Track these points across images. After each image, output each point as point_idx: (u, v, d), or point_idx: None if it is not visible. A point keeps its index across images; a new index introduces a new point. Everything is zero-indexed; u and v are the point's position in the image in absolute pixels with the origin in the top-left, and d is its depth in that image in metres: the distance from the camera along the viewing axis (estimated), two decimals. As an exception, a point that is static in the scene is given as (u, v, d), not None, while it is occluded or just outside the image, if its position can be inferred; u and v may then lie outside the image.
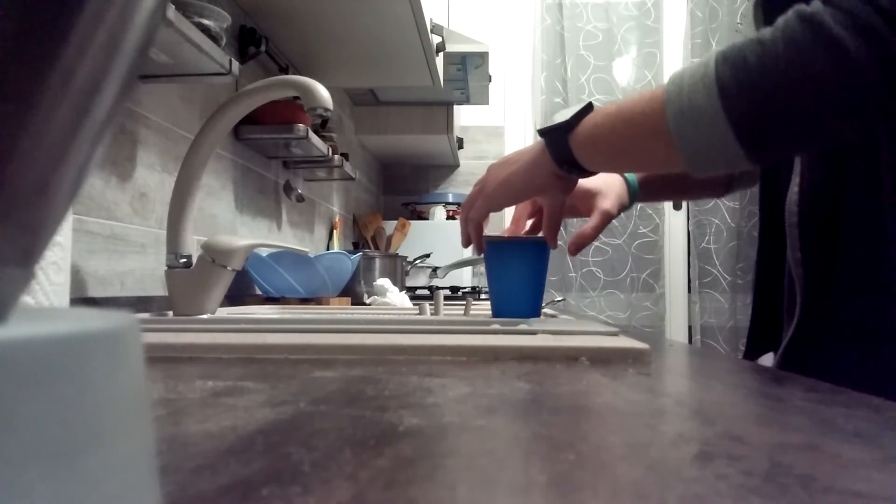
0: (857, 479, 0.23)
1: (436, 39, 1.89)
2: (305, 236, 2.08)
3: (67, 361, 0.12)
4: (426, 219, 3.01)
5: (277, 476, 0.22)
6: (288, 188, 1.86)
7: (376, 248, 2.66)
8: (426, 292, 2.19)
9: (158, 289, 1.17)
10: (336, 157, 1.87)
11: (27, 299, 0.60)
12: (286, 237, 1.91)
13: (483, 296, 2.15)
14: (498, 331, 0.70)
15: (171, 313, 0.96)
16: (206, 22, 1.07)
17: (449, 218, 3.02)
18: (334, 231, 2.34)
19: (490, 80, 2.54)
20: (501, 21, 3.35)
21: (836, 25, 0.54)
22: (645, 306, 3.28)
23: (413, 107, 2.69)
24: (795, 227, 0.73)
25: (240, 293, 1.50)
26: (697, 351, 0.77)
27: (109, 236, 1.04)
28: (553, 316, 1.10)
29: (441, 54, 1.98)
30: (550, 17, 3.31)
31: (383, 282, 1.56)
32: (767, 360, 0.85)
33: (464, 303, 1.26)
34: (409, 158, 3.26)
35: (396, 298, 1.50)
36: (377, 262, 1.83)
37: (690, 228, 3.25)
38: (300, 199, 1.89)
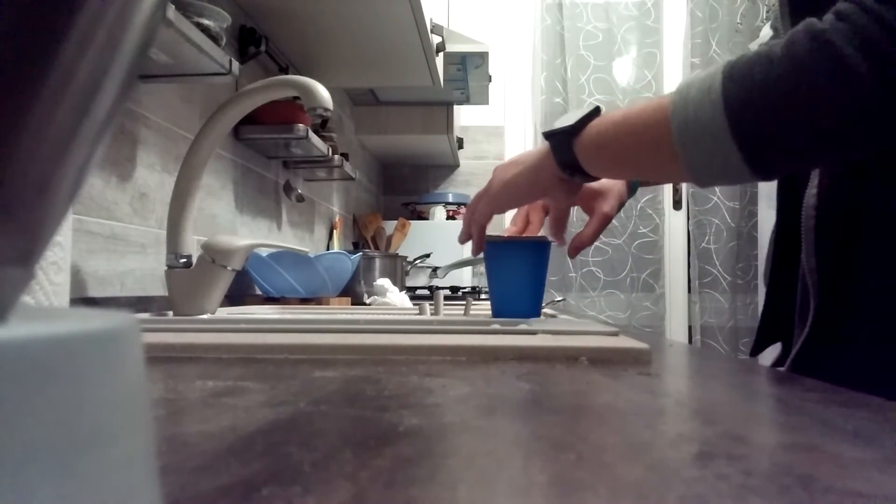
0: (857, 479, 0.23)
1: (436, 39, 1.89)
2: (305, 236, 2.08)
3: (67, 361, 0.12)
4: (426, 219, 3.01)
5: (277, 476, 0.22)
6: (288, 188, 1.86)
7: (376, 248, 2.66)
8: (426, 292, 2.19)
9: (158, 289, 1.17)
10: (336, 157, 1.87)
11: (27, 299, 0.60)
12: (286, 237, 1.91)
13: (483, 296, 2.15)
14: (498, 331, 0.70)
15: (171, 313, 0.96)
16: (206, 22, 1.07)
17: (449, 218, 3.02)
18: (334, 231, 2.34)
19: (490, 80, 2.54)
20: (501, 21, 3.35)
21: (845, 44, 0.54)
22: (645, 306, 3.28)
23: (413, 107, 2.69)
24: (812, 231, 0.72)
25: (240, 293, 1.50)
26: (697, 351, 0.77)
27: (109, 236, 1.04)
28: (553, 316, 1.10)
29: (441, 54, 1.98)
30: (550, 17, 3.31)
31: (383, 282, 1.56)
32: (769, 353, 0.84)
33: (464, 303, 1.26)
34: (409, 158, 3.26)
35: (396, 298, 1.50)
36: (377, 262, 1.83)
37: (690, 228, 3.25)
38: (300, 199, 1.89)
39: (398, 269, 1.91)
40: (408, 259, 2.11)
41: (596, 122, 0.72)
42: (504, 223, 1.20)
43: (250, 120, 1.42)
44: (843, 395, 0.41)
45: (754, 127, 0.58)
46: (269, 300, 1.49)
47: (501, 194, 0.82)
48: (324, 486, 0.21)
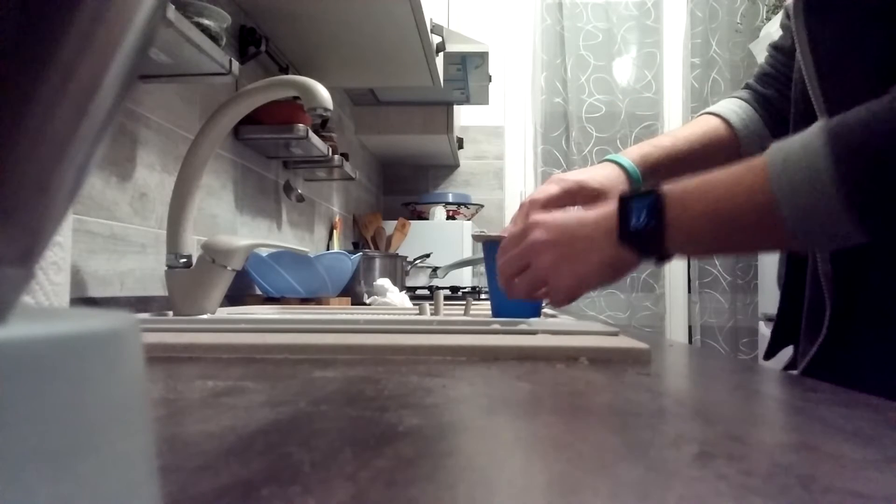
0: (857, 479, 0.23)
1: (436, 39, 1.89)
2: (305, 236, 2.08)
3: (67, 361, 0.12)
4: (426, 219, 3.01)
5: (277, 476, 0.22)
6: (288, 188, 1.86)
7: (376, 248, 2.66)
8: (426, 292, 2.19)
9: (158, 289, 1.17)
10: (336, 157, 1.87)
11: (27, 299, 0.60)
12: (286, 237, 1.91)
13: (483, 296, 2.15)
14: (498, 331, 0.69)
15: (171, 313, 0.96)
16: (206, 22, 1.07)
17: (449, 218, 3.02)
18: (334, 231, 2.34)
19: (490, 80, 2.54)
20: (501, 21, 3.35)
21: None
22: (645, 306, 3.28)
23: (413, 107, 2.69)
24: None
25: (240, 293, 1.50)
26: (697, 351, 0.77)
27: (109, 236, 1.04)
28: (553, 316, 1.10)
29: (441, 54, 1.98)
30: (550, 17, 3.31)
31: (383, 282, 1.56)
32: (779, 356, 0.84)
33: (464, 303, 1.26)
34: (409, 158, 3.26)
35: (396, 298, 1.50)
36: (377, 262, 1.83)
37: (690, 228, 3.25)
38: (300, 199, 1.89)
39: (398, 269, 1.91)
40: (408, 259, 2.11)
41: (678, 215, 0.65)
42: (504, 223, 1.20)
43: (250, 120, 1.42)
44: (843, 395, 0.41)
45: (882, 209, 0.56)
46: (269, 300, 1.48)
47: (578, 289, 0.72)
48: (324, 486, 0.21)
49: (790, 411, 0.38)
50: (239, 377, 0.44)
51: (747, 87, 0.98)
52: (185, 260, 0.95)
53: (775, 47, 0.95)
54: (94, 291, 1.01)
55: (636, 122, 3.32)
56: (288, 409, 0.33)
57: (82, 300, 0.97)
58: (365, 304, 1.64)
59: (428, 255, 2.36)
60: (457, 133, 2.93)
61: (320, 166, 1.92)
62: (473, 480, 0.22)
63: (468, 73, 2.42)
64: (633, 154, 0.91)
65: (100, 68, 0.12)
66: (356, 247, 2.62)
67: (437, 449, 0.26)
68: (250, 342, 0.56)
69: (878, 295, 0.68)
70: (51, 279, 0.63)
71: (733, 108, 0.95)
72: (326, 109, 0.92)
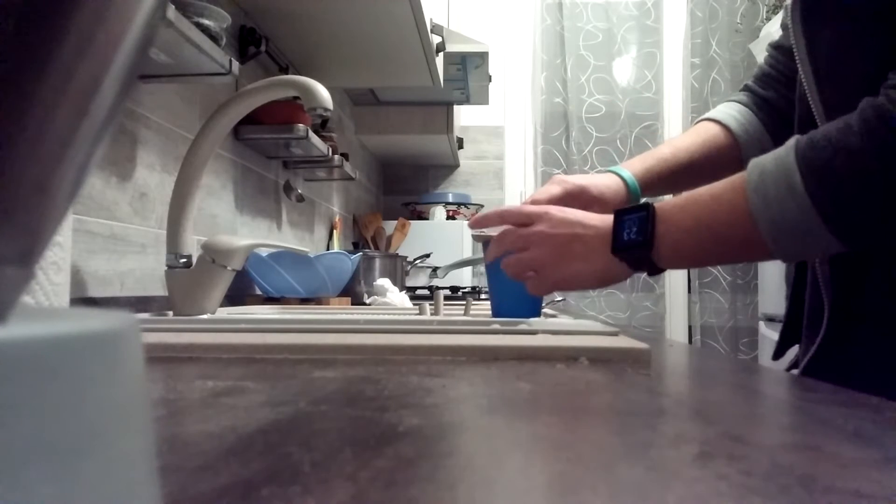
0: (857, 479, 0.23)
1: (436, 39, 1.89)
2: (305, 236, 2.08)
3: (67, 361, 0.12)
4: (426, 219, 3.01)
5: (277, 476, 0.22)
6: (288, 188, 1.86)
7: (376, 248, 2.66)
8: (426, 292, 2.19)
9: (158, 289, 1.17)
10: (336, 157, 1.87)
11: (27, 299, 0.60)
12: (286, 237, 1.91)
13: (483, 296, 2.15)
14: (498, 331, 0.70)
15: (171, 313, 0.96)
16: (206, 22, 1.07)
17: (449, 218, 3.02)
18: (334, 231, 2.34)
19: (490, 80, 2.54)
20: (501, 21, 3.35)
21: None
22: (645, 306, 3.28)
23: (413, 107, 2.69)
24: None
25: (240, 293, 1.50)
26: (697, 351, 0.77)
27: (109, 236, 1.04)
28: (553, 316, 1.10)
29: (441, 54, 1.98)
30: (550, 17, 3.31)
31: (383, 282, 1.56)
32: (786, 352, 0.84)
33: (464, 303, 1.26)
34: (409, 158, 3.26)
35: (396, 298, 1.50)
36: (377, 262, 1.83)
37: (690, 228, 3.25)
38: (300, 199, 1.89)
39: (398, 269, 1.91)
40: (408, 259, 2.11)
41: (666, 231, 0.68)
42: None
43: (250, 120, 1.42)
44: (843, 395, 0.41)
45: (854, 224, 0.59)
46: (269, 300, 1.48)
47: (562, 286, 0.76)
48: (324, 486, 0.21)
49: (790, 411, 0.38)
50: (239, 377, 0.44)
51: (746, 88, 0.98)
52: (185, 260, 0.95)
53: (776, 47, 0.95)
54: (94, 291, 1.01)
55: (636, 122, 3.32)
56: (288, 409, 0.33)
57: (82, 300, 0.97)
58: (365, 304, 1.64)
59: (428, 255, 2.36)
60: (457, 133, 2.93)
61: (320, 166, 1.92)
62: (473, 480, 0.22)
63: (468, 73, 2.42)
64: (635, 167, 0.93)
65: (100, 68, 0.12)
66: (356, 247, 2.62)
67: (437, 449, 0.26)
68: (250, 342, 0.56)
69: (876, 295, 0.68)
70: (51, 279, 0.63)
71: (732, 113, 0.95)
72: (326, 109, 0.92)
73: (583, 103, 3.31)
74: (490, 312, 0.95)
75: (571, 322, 0.86)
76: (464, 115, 3.27)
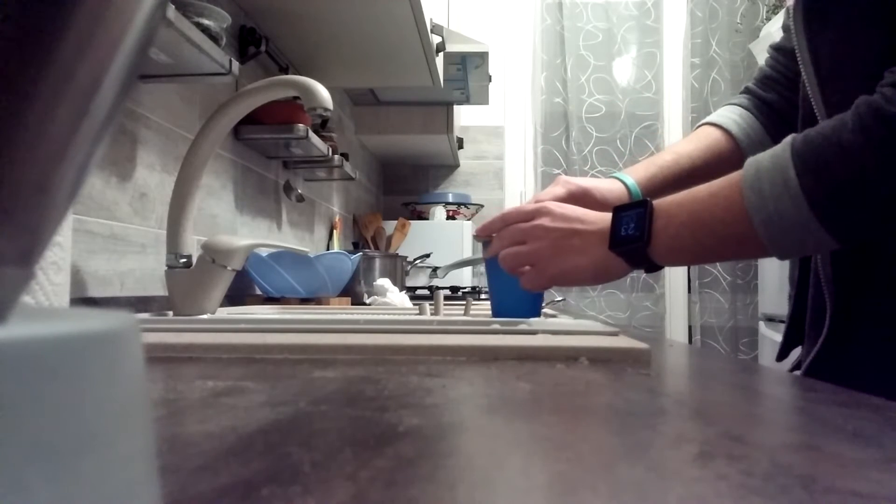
0: (857, 479, 0.23)
1: (436, 39, 1.89)
2: (305, 236, 2.08)
3: (67, 361, 0.12)
4: (426, 219, 3.01)
5: (277, 476, 0.22)
6: (288, 188, 1.86)
7: (376, 248, 2.66)
8: (426, 292, 2.19)
9: (158, 289, 1.17)
10: (336, 157, 1.87)
11: (27, 299, 0.60)
12: (286, 237, 1.91)
13: (483, 296, 2.15)
14: (498, 331, 0.70)
15: (171, 313, 0.96)
16: (206, 22, 1.07)
17: (449, 218, 3.02)
18: (334, 231, 2.34)
19: (490, 80, 2.54)
20: (501, 21, 3.35)
21: None
22: (645, 306, 3.28)
23: (413, 107, 2.69)
24: None
25: (240, 293, 1.50)
26: (697, 351, 0.77)
27: (109, 236, 1.04)
28: (553, 316, 1.10)
29: (441, 54, 1.98)
30: (550, 17, 3.31)
31: (383, 282, 1.56)
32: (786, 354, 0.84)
33: (464, 303, 1.26)
34: (409, 158, 3.26)
35: (396, 298, 1.50)
36: (377, 262, 1.83)
37: (690, 228, 3.24)
38: (300, 199, 1.89)
39: (398, 269, 1.91)
40: (408, 259, 2.11)
41: (663, 226, 0.69)
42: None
43: (250, 120, 1.42)
44: (843, 395, 0.41)
45: (847, 219, 0.59)
46: (269, 300, 1.48)
47: (568, 278, 0.76)
48: (324, 486, 0.21)
49: (790, 411, 0.38)
50: (239, 377, 0.44)
51: (747, 91, 0.98)
52: (185, 260, 0.95)
53: (777, 49, 0.95)
54: (94, 291, 1.01)
55: (636, 122, 3.32)
56: (288, 409, 0.33)
57: (82, 300, 0.97)
58: (365, 304, 1.64)
59: (428, 255, 2.36)
60: (457, 133, 2.93)
61: (320, 166, 1.92)
62: (473, 480, 0.22)
63: (468, 73, 2.42)
64: (638, 174, 0.93)
65: (100, 68, 0.12)
66: (356, 247, 2.62)
67: (437, 449, 0.26)
68: (250, 342, 0.56)
69: (879, 295, 0.68)
70: (51, 279, 0.63)
71: (734, 117, 0.95)
72: (326, 109, 0.92)
73: (583, 103, 3.31)
74: (490, 312, 0.95)
75: (571, 322, 0.86)
76: (464, 115, 3.27)
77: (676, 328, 3.27)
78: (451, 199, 3.09)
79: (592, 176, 3.19)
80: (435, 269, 2.18)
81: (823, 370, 0.71)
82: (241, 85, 1.43)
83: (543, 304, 0.99)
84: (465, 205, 3.12)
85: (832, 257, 0.71)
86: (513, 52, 3.36)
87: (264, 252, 1.42)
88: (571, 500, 0.20)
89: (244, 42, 1.52)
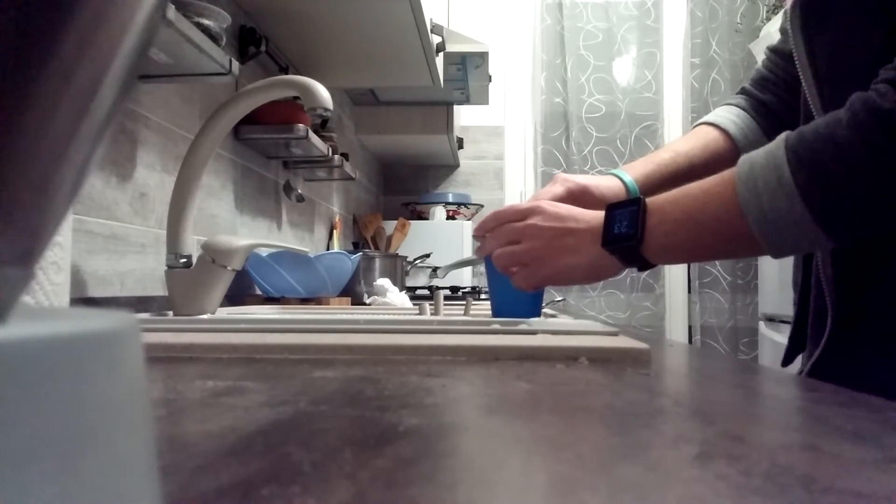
0: (857, 479, 0.23)
1: (436, 39, 1.89)
2: (305, 236, 2.08)
3: (67, 361, 0.12)
4: (426, 219, 3.01)
5: (277, 476, 0.22)
6: (288, 188, 1.86)
7: (376, 248, 2.66)
8: (426, 292, 2.19)
9: (158, 289, 1.17)
10: (336, 157, 1.87)
11: (27, 299, 0.60)
12: (286, 237, 1.91)
13: (483, 296, 2.15)
14: (498, 331, 0.70)
15: (171, 313, 0.96)
16: (206, 22, 1.07)
17: (449, 218, 3.02)
18: (334, 231, 2.34)
19: (490, 80, 2.54)
20: (501, 21, 3.35)
21: None
22: (645, 306, 3.28)
23: (413, 107, 2.69)
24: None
25: (240, 293, 1.50)
26: (697, 351, 0.77)
27: (109, 236, 1.04)
28: (553, 316, 1.10)
29: (441, 54, 1.98)
30: (550, 17, 3.31)
31: (383, 282, 1.56)
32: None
33: (464, 303, 1.26)
34: (409, 158, 3.26)
35: (396, 298, 1.50)
36: (377, 262, 1.83)
37: (690, 228, 3.24)
38: (300, 199, 1.89)
39: (398, 269, 1.91)
40: (408, 259, 2.11)
41: (657, 224, 0.68)
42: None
43: (250, 120, 1.42)
44: (843, 395, 0.41)
45: (842, 215, 0.58)
46: (269, 300, 1.48)
47: (560, 278, 0.77)
48: (324, 486, 0.21)
49: (790, 411, 0.38)
50: (239, 377, 0.44)
51: (743, 91, 0.98)
52: (185, 260, 0.95)
53: (774, 50, 0.95)
54: (94, 291, 1.01)
55: (636, 122, 3.32)
56: (288, 409, 0.33)
57: (82, 300, 0.97)
58: (365, 304, 1.64)
59: (428, 255, 2.36)
60: (457, 133, 2.93)
61: (320, 166, 1.92)
62: (473, 480, 0.22)
63: (468, 73, 2.42)
64: (636, 171, 0.93)
65: (100, 68, 0.12)
66: (356, 247, 2.62)
67: (437, 449, 0.26)
68: (250, 342, 0.56)
69: (880, 297, 0.68)
70: (51, 279, 0.63)
71: (731, 117, 0.95)
72: (326, 109, 0.92)
73: (583, 103, 3.31)
74: (490, 312, 0.95)
75: (571, 322, 0.86)
76: (464, 115, 3.27)
77: (676, 328, 3.27)
78: (451, 199, 3.09)
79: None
80: (435, 269, 2.18)
81: (826, 372, 0.71)
82: (241, 85, 1.43)
83: (543, 304, 0.99)
84: (465, 205, 3.12)
85: (833, 259, 0.71)
86: (513, 52, 3.36)
87: (264, 252, 1.42)
88: (571, 500, 0.20)
89: (244, 42, 1.52)
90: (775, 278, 2.54)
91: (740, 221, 0.62)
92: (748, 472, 0.23)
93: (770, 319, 2.64)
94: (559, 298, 2.88)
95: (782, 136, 0.62)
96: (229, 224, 1.52)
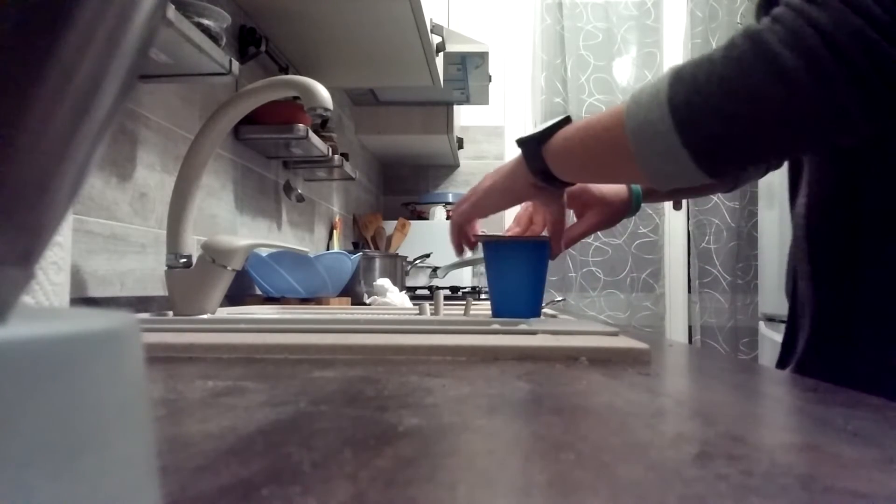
0: (857, 479, 0.23)
1: (436, 39, 1.89)
2: (305, 236, 2.08)
3: (67, 361, 0.12)
4: (426, 219, 3.01)
5: (277, 476, 0.22)
6: (288, 188, 1.86)
7: (376, 248, 2.66)
8: (426, 292, 2.19)
9: (158, 289, 1.17)
10: (336, 157, 1.87)
11: (27, 299, 0.60)
12: (286, 237, 1.91)
13: (483, 296, 2.15)
14: (498, 331, 0.70)
15: (171, 313, 0.96)
16: (206, 22, 1.07)
17: (449, 218, 3.02)
18: (334, 231, 2.34)
19: (490, 80, 2.54)
20: (501, 21, 3.35)
21: (778, 43, 0.56)
22: (645, 306, 3.28)
23: (413, 107, 2.69)
24: (804, 239, 0.73)
25: (240, 293, 1.50)
26: (697, 351, 0.77)
27: (109, 236, 1.04)
28: (553, 316, 1.10)
29: (441, 54, 1.98)
30: (550, 17, 3.31)
31: (383, 282, 1.56)
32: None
33: (464, 303, 1.26)
34: (409, 158, 3.26)
35: (396, 298, 1.50)
36: (377, 262, 1.83)
37: (690, 228, 3.25)
38: (300, 199, 1.89)
39: (398, 269, 1.91)
40: (408, 259, 2.11)
41: (564, 130, 0.75)
42: (506, 223, 1.20)
43: (250, 120, 1.42)
44: (843, 395, 0.41)
45: (698, 126, 0.60)
46: (269, 300, 1.48)
47: (482, 200, 0.86)
48: (324, 486, 0.21)
49: (790, 411, 0.38)
50: (239, 377, 0.44)
51: None
52: (185, 260, 0.95)
53: None
54: (94, 291, 1.01)
55: (636, 122, 3.31)
56: (288, 409, 0.33)
57: (82, 300, 0.97)
58: (365, 304, 1.64)
59: (428, 255, 2.36)
60: (457, 133, 2.93)
61: (320, 166, 1.92)
62: (473, 480, 0.22)
63: (468, 73, 2.42)
64: None
65: (100, 68, 0.12)
66: (356, 247, 2.62)
67: (437, 449, 0.26)
68: (250, 342, 0.56)
69: (859, 290, 0.68)
70: (51, 279, 0.63)
71: None
72: (326, 109, 0.92)
73: (583, 103, 3.31)
74: (490, 312, 0.95)
75: (571, 322, 0.86)
76: (464, 115, 3.27)
77: (676, 328, 3.27)
78: (451, 199, 3.09)
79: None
80: (435, 269, 2.18)
81: (809, 367, 0.71)
82: (241, 85, 1.43)
83: (543, 304, 0.99)
84: (465, 205, 3.11)
85: (809, 256, 0.71)
86: (513, 52, 3.36)
87: (264, 252, 1.42)
88: (571, 500, 0.20)
89: (244, 42, 1.52)
90: (775, 278, 2.54)
91: (621, 131, 0.65)
92: (748, 472, 0.23)
93: (770, 319, 2.64)
94: (559, 298, 2.88)
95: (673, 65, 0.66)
96: (229, 224, 1.52)
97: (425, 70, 1.95)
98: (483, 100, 2.75)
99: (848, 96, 0.54)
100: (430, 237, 2.77)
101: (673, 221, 3.29)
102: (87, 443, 0.12)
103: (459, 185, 3.38)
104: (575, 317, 1.28)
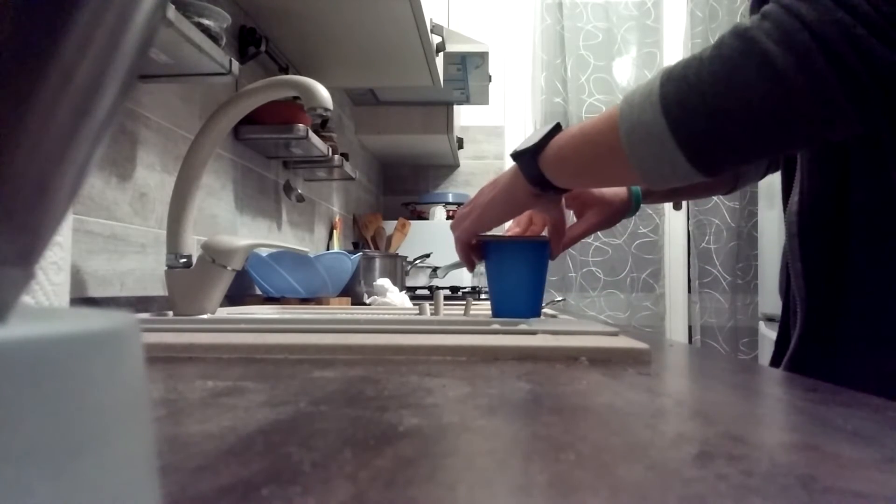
0: (857, 479, 0.23)
1: (436, 39, 1.89)
2: (305, 236, 2.08)
3: (67, 361, 0.12)
4: (426, 219, 3.01)
5: (277, 476, 0.22)
6: (288, 188, 1.86)
7: (376, 248, 2.66)
8: (426, 292, 2.19)
9: (158, 289, 1.17)
10: (336, 157, 1.87)
11: (27, 299, 0.60)
12: (286, 237, 1.91)
13: (483, 296, 2.15)
14: (498, 331, 0.70)
15: (171, 313, 0.96)
16: (206, 22, 1.07)
17: (449, 218, 3.02)
18: (334, 231, 2.34)
19: (490, 80, 2.54)
20: (501, 21, 3.35)
21: (767, 40, 0.56)
22: (645, 306, 3.28)
23: (413, 107, 2.69)
24: (796, 237, 0.73)
25: (240, 293, 1.50)
26: (697, 351, 0.77)
27: (109, 236, 1.04)
28: (553, 316, 1.10)
29: (441, 54, 1.98)
30: (550, 17, 3.31)
31: (383, 282, 1.56)
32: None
33: (464, 303, 1.26)
34: (409, 158, 3.26)
35: (396, 298, 1.50)
36: (377, 262, 1.83)
37: (690, 228, 3.25)
38: (300, 199, 1.89)
39: (398, 269, 1.91)
40: (408, 259, 2.11)
41: (557, 138, 0.75)
42: (505, 224, 1.20)
43: (250, 120, 1.42)
44: (843, 395, 0.41)
45: (691, 125, 0.60)
46: (269, 300, 1.48)
47: (484, 214, 0.85)
48: (324, 486, 0.21)
49: (790, 411, 0.38)
50: (239, 377, 0.44)
51: None
52: (185, 260, 0.95)
53: None
54: (94, 291, 1.01)
55: (636, 122, 3.31)
56: (288, 409, 0.33)
57: (82, 300, 0.97)
58: (365, 304, 1.64)
59: (428, 255, 2.36)
60: (457, 133, 2.93)
61: (320, 166, 1.92)
62: (473, 480, 0.22)
63: (468, 73, 2.42)
64: None
65: (100, 68, 0.12)
66: (356, 247, 2.62)
67: (437, 449, 0.26)
68: (250, 342, 0.56)
69: (850, 288, 0.68)
70: (51, 279, 0.63)
71: None
72: (326, 109, 0.92)
73: (583, 103, 3.31)
74: (490, 312, 0.95)
75: (571, 322, 0.86)
76: (464, 115, 3.27)
77: (676, 328, 3.27)
78: (451, 199, 3.09)
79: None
80: (435, 269, 2.18)
81: (801, 365, 0.72)
82: (241, 85, 1.43)
83: (543, 304, 0.99)
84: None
85: (801, 254, 0.71)
86: (513, 52, 3.36)
87: (264, 252, 1.42)
88: (571, 500, 0.20)
89: (244, 42, 1.52)
90: (775, 278, 2.54)
91: (615, 134, 0.65)
92: (748, 472, 0.23)
93: (770, 319, 2.64)
94: (559, 298, 2.89)
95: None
96: (229, 224, 1.52)
97: (425, 70, 1.95)
98: (483, 100, 2.75)
99: (838, 91, 0.54)
100: (430, 237, 2.77)
101: (673, 221, 3.30)
102: (87, 443, 0.12)
103: (459, 185, 3.38)
104: (575, 317, 1.28)
